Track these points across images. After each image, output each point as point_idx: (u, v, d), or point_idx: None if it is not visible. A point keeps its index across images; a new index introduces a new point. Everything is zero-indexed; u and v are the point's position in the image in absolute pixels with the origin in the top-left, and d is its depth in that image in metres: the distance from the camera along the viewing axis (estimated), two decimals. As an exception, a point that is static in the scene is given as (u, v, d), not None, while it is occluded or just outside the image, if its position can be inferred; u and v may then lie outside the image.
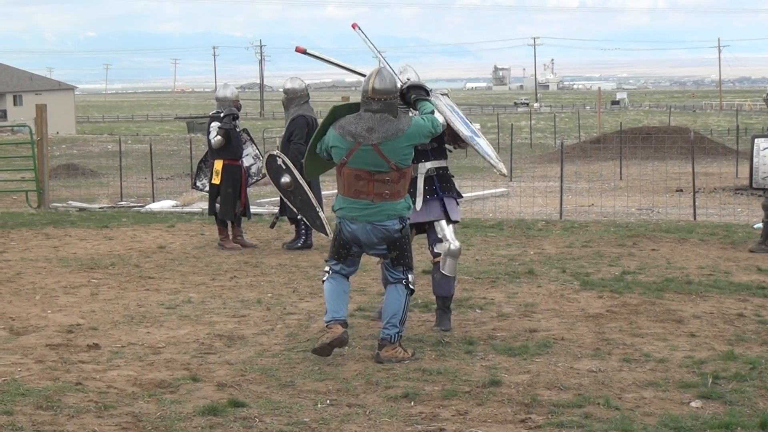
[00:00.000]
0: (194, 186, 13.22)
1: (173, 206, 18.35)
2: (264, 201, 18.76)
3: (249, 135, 12.65)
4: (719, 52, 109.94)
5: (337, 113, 6.76)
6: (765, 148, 11.12)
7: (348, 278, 6.77)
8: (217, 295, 8.98)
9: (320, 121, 7.31)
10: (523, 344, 6.96)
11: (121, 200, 21.27)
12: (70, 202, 19.77)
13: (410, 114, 6.92)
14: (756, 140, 11.22)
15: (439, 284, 7.43)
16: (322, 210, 10.04)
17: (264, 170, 11.65)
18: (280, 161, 11.30)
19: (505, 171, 7.66)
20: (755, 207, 17.19)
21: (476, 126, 7.80)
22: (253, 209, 12.92)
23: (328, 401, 5.75)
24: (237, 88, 12.95)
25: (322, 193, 12.34)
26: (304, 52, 7.72)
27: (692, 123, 67.91)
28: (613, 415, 5.42)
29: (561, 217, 15.90)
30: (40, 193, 17.91)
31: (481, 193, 21.50)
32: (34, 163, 18.14)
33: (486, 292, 8.95)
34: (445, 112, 7.23)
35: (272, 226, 12.59)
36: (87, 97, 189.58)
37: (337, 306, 6.61)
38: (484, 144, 7.61)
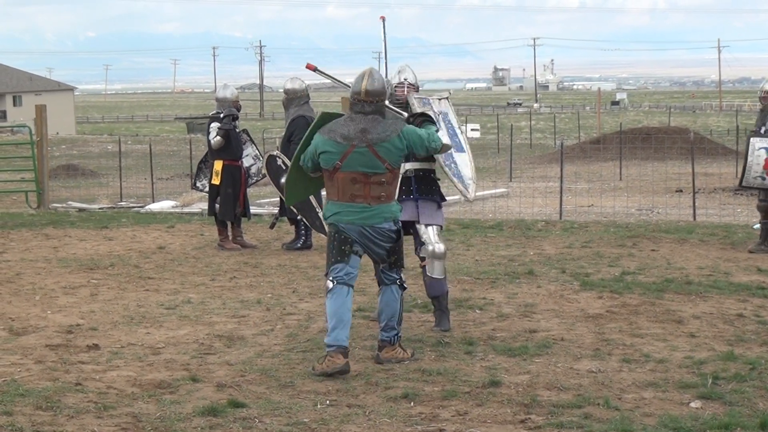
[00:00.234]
0: (194, 186, 13.22)
1: (173, 207, 18.35)
2: (264, 201, 18.76)
3: (249, 135, 12.66)
4: (719, 52, 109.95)
5: (324, 119, 6.67)
6: (761, 148, 11.15)
7: (352, 288, 6.48)
8: (216, 295, 8.98)
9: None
10: (522, 345, 6.96)
11: (121, 201, 21.28)
12: (69, 202, 19.77)
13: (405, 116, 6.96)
14: (752, 140, 11.23)
15: (430, 286, 7.46)
16: (322, 210, 10.03)
17: (264, 171, 11.67)
18: (280, 161, 11.32)
19: (470, 196, 7.62)
20: (755, 208, 17.16)
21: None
22: (252, 210, 12.92)
23: (327, 402, 5.75)
24: (237, 89, 12.96)
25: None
26: (315, 69, 7.68)
27: (692, 123, 67.92)
28: (613, 416, 5.41)
29: (561, 218, 15.91)
30: (39, 194, 17.92)
31: (480, 193, 21.48)
32: (33, 164, 18.15)
33: (486, 292, 8.95)
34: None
35: (272, 226, 12.60)
36: (87, 97, 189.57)
37: (341, 328, 6.32)
38: (462, 161, 7.59)
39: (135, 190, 24.07)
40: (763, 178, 11.16)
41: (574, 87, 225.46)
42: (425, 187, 7.42)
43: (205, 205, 14.98)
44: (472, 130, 60.40)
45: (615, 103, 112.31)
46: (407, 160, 7.20)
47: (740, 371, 6.24)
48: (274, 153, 11.51)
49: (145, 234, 13.28)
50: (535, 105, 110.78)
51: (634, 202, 20.34)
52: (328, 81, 8.27)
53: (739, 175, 11.76)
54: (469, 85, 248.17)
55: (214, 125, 12.03)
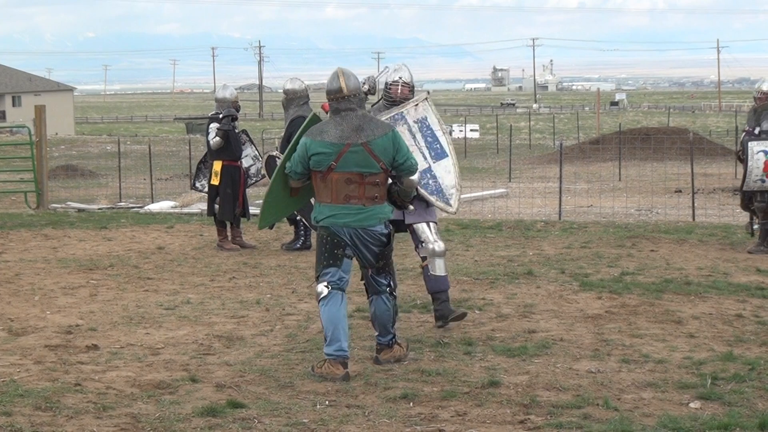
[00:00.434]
0: (193, 187, 13.22)
1: (172, 207, 18.35)
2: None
3: (248, 136, 12.66)
4: (718, 53, 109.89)
5: (313, 122, 6.59)
6: (759, 151, 11.19)
7: (345, 293, 6.41)
8: (216, 296, 8.98)
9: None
10: (522, 345, 6.96)
11: (120, 201, 21.27)
12: (69, 203, 19.77)
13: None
14: (749, 144, 11.27)
15: (434, 282, 7.50)
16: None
17: (263, 171, 11.67)
18: (279, 162, 11.32)
19: (452, 209, 7.62)
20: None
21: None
22: (252, 210, 12.91)
23: (327, 402, 5.75)
24: (236, 89, 12.96)
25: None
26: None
27: (691, 124, 67.93)
28: (612, 416, 5.42)
29: (560, 218, 15.90)
30: (39, 194, 17.92)
31: (480, 193, 21.49)
32: (33, 164, 18.14)
33: (485, 292, 8.95)
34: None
35: (271, 226, 12.59)
36: (86, 97, 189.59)
37: (339, 335, 6.22)
38: (443, 168, 7.56)
39: (134, 191, 24.06)
40: (763, 181, 11.20)
41: (574, 87, 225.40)
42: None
43: (204, 206, 14.98)
44: (471, 130, 60.47)
45: (614, 103, 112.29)
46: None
47: (739, 372, 6.24)
48: (274, 153, 11.51)
49: (144, 234, 13.28)
50: (535, 105, 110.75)
51: (633, 202, 20.33)
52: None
53: (738, 176, 11.76)
54: (468, 86, 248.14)
55: (214, 126, 12.03)
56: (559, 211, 16.49)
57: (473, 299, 8.62)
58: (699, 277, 9.69)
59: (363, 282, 6.65)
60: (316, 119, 6.67)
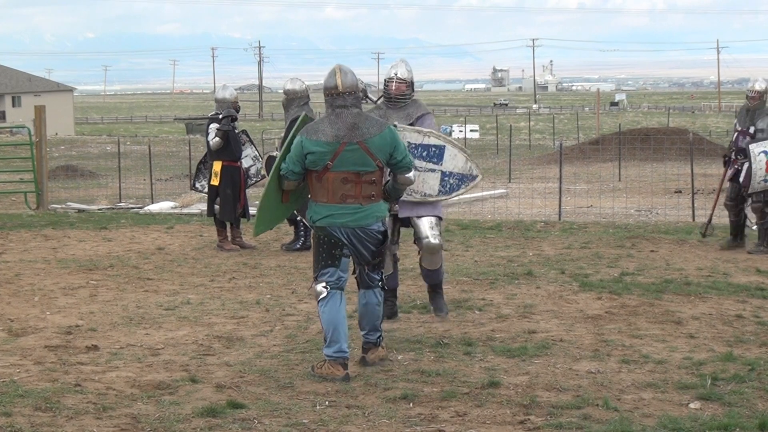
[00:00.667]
0: (193, 187, 13.22)
1: (172, 207, 18.36)
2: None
3: (248, 136, 12.66)
4: (718, 53, 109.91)
5: (305, 122, 6.56)
6: (760, 152, 11.22)
7: (344, 292, 6.40)
8: (215, 296, 8.98)
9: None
10: (522, 345, 6.96)
11: (120, 201, 21.28)
12: (68, 203, 19.78)
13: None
14: (750, 146, 11.30)
15: (427, 275, 7.80)
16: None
17: (263, 171, 11.67)
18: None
19: (480, 176, 7.71)
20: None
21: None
22: (252, 210, 12.91)
23: (326, 402, 5.75)
24: (236, 90, 12.96)
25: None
26: None
27: (691, 124, 67.91)
28: (612, 417, 5.42)
29: (560, 219, 15.91)
30: (38, 195, 17.92)
31: (479, 194, 21.49)
32: (32, 165, 18.14)
33: (485, 293, 8.95)
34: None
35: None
36: (86, 98, 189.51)
37: (339, 336, 6.21)
38: (449, 160, 7.55)
39: (134, 191, 24.06)
40: (766, 181, 11.23)
41: (573, 88, 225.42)
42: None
43: (204, 206, 14.99)
44: (471, 130, 60.52)
45: (614, 103, 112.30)
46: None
47: (739, 372, 6.25)
48: (274, 154, 11.50)
49: (144, 235, 13.28)
50: (534, 106, 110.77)
51: (633, 202, 20.34)
52: None
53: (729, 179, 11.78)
54: (468, 86, 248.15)
55: (213, 126, 12.03)
56: (559, 211, 16.50)
57: (473, 299, 8.62)
58: (699, 277, 9.69)
59: (355, 276, 6.61)
60: (307, 120, 6.64)
